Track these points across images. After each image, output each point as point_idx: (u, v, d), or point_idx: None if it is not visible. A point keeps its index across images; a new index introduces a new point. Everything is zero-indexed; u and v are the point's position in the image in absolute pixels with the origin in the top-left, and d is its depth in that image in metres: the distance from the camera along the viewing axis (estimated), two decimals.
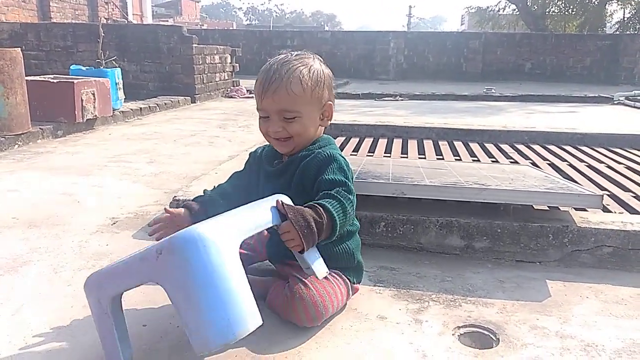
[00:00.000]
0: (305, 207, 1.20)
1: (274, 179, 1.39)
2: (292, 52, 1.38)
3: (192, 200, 1.45)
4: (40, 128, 3.86)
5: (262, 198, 1.25)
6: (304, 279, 1.32)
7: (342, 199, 1.24)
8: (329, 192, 1.25)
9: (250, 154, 1.55)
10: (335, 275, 1.36)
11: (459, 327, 1.35)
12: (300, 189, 1.33)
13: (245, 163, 1.54)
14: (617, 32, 16.99)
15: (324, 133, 1.45)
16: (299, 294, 1.29)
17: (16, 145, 3.59)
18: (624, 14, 18.29)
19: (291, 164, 1.37)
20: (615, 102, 7.84)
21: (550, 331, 1.34)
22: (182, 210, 1.39)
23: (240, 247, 1.14)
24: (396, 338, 1.28)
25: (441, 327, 1.35)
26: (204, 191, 1.50)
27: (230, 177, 1.55)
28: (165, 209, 1.41)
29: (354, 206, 1.28)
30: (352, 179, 1.35)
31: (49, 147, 3.66)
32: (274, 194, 1.26)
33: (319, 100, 1.35)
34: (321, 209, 1.20)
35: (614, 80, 12.32)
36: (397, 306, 1.45)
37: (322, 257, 1.26)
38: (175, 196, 2.09)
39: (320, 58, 1.41)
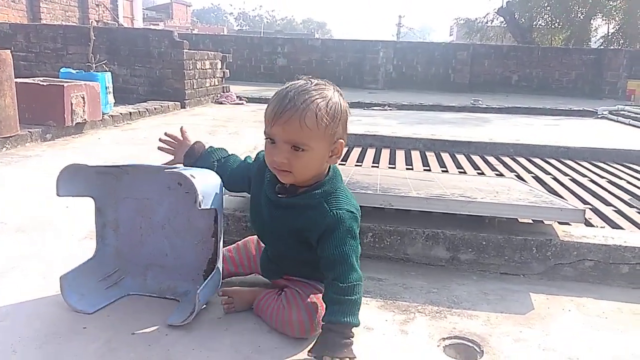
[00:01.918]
0: (331, 325, 1.21)
1: (277, 211, 1.35)
2: (312, 80, 1.28)
3: (205, 148, 1.57)
4: (29, 131, 3.84)
5: (264, 223, 1.38)
6: (300, 292, 1.34)
7: (351, 293, 1.22)
8: (341, 289, 1.22)
9: (258, 154, 1.47)
10: None
11: (444, 339, 1.38)
12: (301, 236, 1.31)
13: (254, 161, 1.48)
14: (602, 47, 17.30)
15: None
16: (296, 306, 1.31)
17: (4, 148, 3.57)
18: (608, 29, 18.65)
19: (293, 208, 1.31)
20: (599, 115, 7.99)
21: (533, 344, 1.37)
22: (190, 143, 1.57)
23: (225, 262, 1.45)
24: (382, 349, 1.31)
25: (427, 338, 1.38)
26: (211, 148, 1.57)
27: (240, 162, 1.53)
28: (182, 128, 1.61)
29: (359, 252, 1.29)
30: (358, 229, 1.31)
31: (37, 151, 3.64)
32: (275, 226, 1.34)
33: (332, 136, 1.26)
34: (344, 328, 1.21)
35: (598, 94, 12.55)
36: (383, 317, 1.48)
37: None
38: None
39: (339, 89, 1.31)
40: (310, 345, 1.27)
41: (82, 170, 1.46)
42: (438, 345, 1.35)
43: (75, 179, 1.46)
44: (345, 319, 1.21)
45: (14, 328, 1.33)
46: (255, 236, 1.61)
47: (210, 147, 1.58)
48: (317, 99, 1.23)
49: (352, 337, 1.22)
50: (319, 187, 1.30)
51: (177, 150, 1.58)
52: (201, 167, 1.48)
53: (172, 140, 1.60)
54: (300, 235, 1.31)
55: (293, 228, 1.31)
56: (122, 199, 1.58)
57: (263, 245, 1.52)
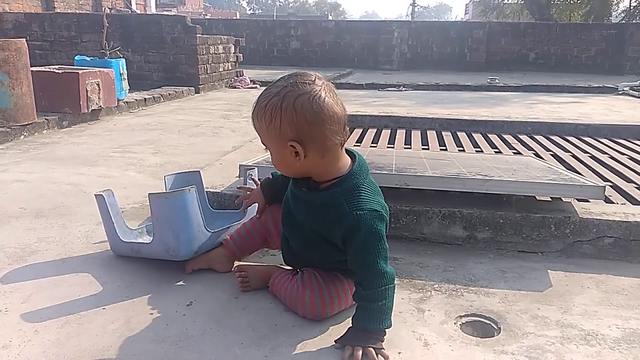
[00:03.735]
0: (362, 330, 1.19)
1: (299, 205, 1.32)
2: (295, 76, 1.21)
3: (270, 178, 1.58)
4: (45, 119, 3.88)
5: (291, 217, 1.35)
6: (317, 275, 1.33)
7: (375, 299, 1.18)
8: (364, 296, 1.19)
9: None
10: (349, 279, 1.33)
11: (460, 317, 1.37)
12: (322, 233, 1.27)
13: None
14: (623, 21, 16.84)
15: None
16: (310, 288, 1.31)
17: (22, 136, 3.62)
18: (630, 3, 18.13)
19: (312, 204, 1.27)
20: (620, 92, 7.81)
21: (551, 320, 1.36)
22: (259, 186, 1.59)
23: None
24: (399, 327, 1.30)
25: (443, 316, 1.37)
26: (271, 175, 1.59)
27: None
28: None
29: (387, 251, 1.22)
30: (386, 225, 1.25)
31: (54, 138, 3.68)
32: (298, 222, 1.32)
33: (279, 137, 1.19)
34: (372, 331, 1.18)
35: (619, 70, 12.24)
36: (400, 295, 1.47)
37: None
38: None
39: (320, 86, 1.19)
40: (330, 327, 1.28)
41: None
42: (455, 323, 1.34)
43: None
44: (372, 325, 1.18)
45: (36, 309, 1.36)
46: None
47: (267, 177, 1.59)
48: (263, 97, 1.23)
49: (383, 335, 1.19)
50: (339, 183, 1.23)
51: (255, 196, 1.58)
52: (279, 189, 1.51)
53: (248, 193, 1.62)
54: (320, 235, 1.28)
55: (314, 227, 1.28)
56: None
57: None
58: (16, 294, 1.43)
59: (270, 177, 1.58)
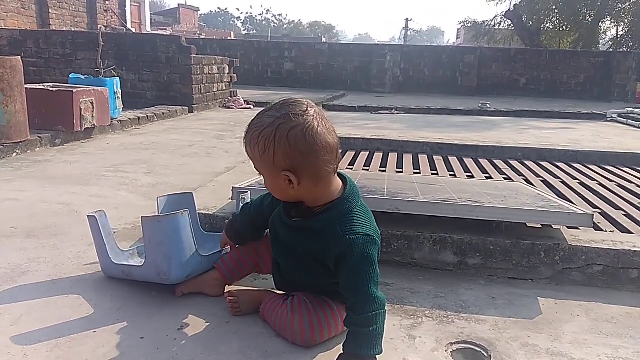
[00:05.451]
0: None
1: (290, 234, 1.33)
2: (287, 106, 1.21)
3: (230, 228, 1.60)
4: (38, 136, 3.88)
5: (279, 242, 1.37)
6: (307, 300, 1.33)
7: (366, 325, 1.17)
8: (355, 321, 1.19)
9: None
10: (340, 305, 1.33)
11: (451, 344, 1.38)
12: (316, 256, 1.28)
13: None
14: (611, 49, 17.21)
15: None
16: (300, 314, 1.31)
17: (14, 154, 3.61)
18: (617, 32, 18.56)
19: (306, 230, 1.28)
20: (608, 119, 7.94)
21: (541, 349, 1.37)
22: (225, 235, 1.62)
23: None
24: (390, 354, 1.30)
25: (434, 343, 1.38)
26: (234, 216, 1.61)
27: (256, 202, 1.55)
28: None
29: (378, 276, 1.22)
30: (378, 249, 1.25)
31: (47, 156, 3.68)
32: (289, 247, 1.33)
33: (271, 166, 1.20)
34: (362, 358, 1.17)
35: (607, 97, 12.47)
36: (391, 322, 1.47)
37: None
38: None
39: (312, 116, 1.19)
40: (320, 354, 1.28)
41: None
42: (446, 350, 1.34)
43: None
44: (362, 351, 1.17)
45: (26, 332, 1.34)
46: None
47: (231, 218, 1.64)
48: (256, 127, 1.22)
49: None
50: (332, 208, 1.24)
51: (225, 240, 1.63)
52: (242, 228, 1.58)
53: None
54: (313, 257, 1.28)
55: (307, 252, 1.28)
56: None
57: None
58: (5, 316, 1.42)
59: (232, 216, 1.64)
